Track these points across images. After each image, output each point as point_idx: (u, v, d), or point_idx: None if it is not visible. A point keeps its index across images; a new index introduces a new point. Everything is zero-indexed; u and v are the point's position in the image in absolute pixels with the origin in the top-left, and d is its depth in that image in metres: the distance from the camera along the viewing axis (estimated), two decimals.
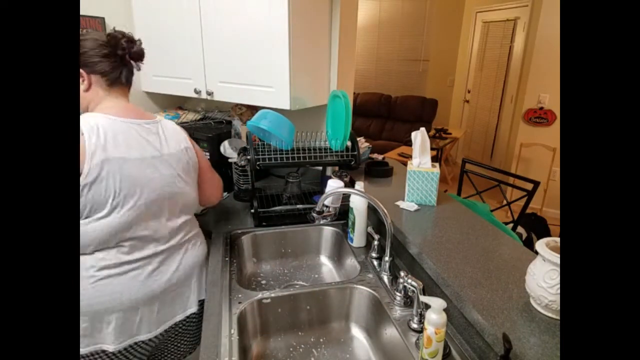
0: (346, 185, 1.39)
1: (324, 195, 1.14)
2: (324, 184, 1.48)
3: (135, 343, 1.03)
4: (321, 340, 1.08)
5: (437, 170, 1.35)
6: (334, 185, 1.32)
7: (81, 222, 0.89)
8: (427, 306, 0.81)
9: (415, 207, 1.35)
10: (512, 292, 0.89)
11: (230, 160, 1.56)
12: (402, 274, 0.98)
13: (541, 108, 3.65)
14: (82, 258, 0.92)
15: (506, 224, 2.03)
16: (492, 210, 1.88)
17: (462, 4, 5.10)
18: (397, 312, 0.99)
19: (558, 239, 0.84)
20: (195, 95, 1.71)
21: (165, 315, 1.07)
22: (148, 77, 1.86)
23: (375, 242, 1.24)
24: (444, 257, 1.03)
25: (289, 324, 1.09)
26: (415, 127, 1.46)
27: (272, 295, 1.05)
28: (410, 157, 1.43)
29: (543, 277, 0.79)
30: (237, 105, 1.84)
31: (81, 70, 0.96)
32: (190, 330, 1.18)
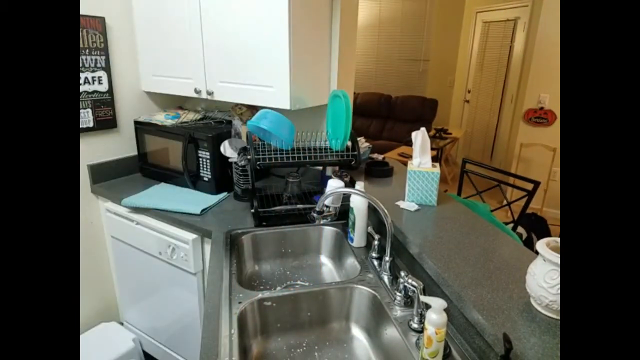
0: (346, 185, 1.39)
1: (324, 195, 1.14)
2: (324, 184, 1.48)
3: None
4: (321, 340, 1.08)
5: (437, 170, 1.35)
6: (334, 185, 1.32)
7: None
8: (428, 306, 0.81)
9: (416, 207, 1.35)
10: (513, 292, 0.89)
11: (230, 160, 1.56)
12: (402, 273, 0.98)
13: (541, 108, 3.65)
14: None
15: (506, 224, 2.03)
16: (492, 210, 1.88)
17: (462, 4, 5.10)
18: (398, 312, 0.99)
19: (558, 239, 0.84)
20: (195, 95, 1.71)
21: None
22: (148, 77, 1.86)
23: (376, 242, 1.24)
24: (444, 257, 1.03)
25: (289, 324, 1.09)
26: (415, 127, 1.45)
27: (272, 295, 1.05)
28: (410, 157, 1.43)
29: (543, 277, 0.79)
30: (237, 105, 1.84)
31: None
32: None
